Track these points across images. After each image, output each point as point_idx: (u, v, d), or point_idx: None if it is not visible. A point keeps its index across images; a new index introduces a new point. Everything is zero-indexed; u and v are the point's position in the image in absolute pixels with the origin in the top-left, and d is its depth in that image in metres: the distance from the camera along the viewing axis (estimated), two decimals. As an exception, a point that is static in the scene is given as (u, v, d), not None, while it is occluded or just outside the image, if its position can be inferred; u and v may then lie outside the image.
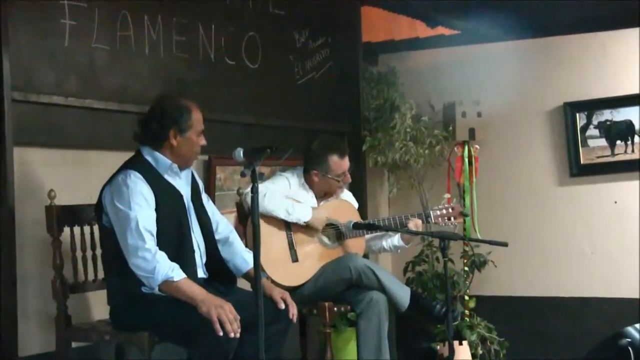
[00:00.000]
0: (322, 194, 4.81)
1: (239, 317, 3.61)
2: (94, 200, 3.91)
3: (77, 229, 4.14)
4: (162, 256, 3.68)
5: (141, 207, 3.72)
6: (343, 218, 4.74)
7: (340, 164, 4.74)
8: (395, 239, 4.86)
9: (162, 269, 3.65)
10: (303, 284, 4.58)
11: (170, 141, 3.85)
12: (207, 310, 3.59)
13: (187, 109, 3.88)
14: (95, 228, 4.09)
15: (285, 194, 4.68)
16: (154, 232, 3.73)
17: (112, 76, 4.50)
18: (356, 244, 4.76)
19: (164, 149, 3.87)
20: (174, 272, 3.67)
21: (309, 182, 4.78)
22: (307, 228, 4.64)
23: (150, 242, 3.69)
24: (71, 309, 4.05)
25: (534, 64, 6.31)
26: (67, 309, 4.02)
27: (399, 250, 4.98)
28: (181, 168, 3.93)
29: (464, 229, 6.01)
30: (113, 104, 4.47)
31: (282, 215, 4.55)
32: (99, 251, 4.11)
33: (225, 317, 3.58)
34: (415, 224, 4.74)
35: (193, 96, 4.13)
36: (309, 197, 4.77)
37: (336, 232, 4.74)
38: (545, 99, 6.27)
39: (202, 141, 3.93)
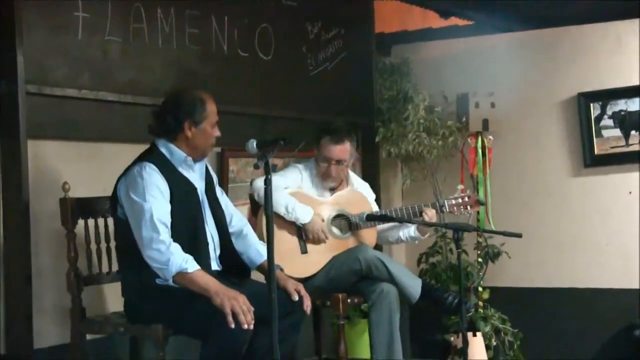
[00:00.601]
0: (328, 184, 4.76)
1: (252, 309, 3.62)
2: (108, 193, 3.92)
3: (91, 222, 4.16)
4: (176, 248, 3.70)
5: (156, 199, 3.73)
6: (354, 209, 4.72)
7: (329, 148, 4.63)
8: (412, 230, 4.82)
9: (176, 260, 3.66)
10: (314, 276, 4.57)
11: (185, 133, 3.86)
12: (220, 301, 3.60)
13: (201, 101, 3.89)
14: (110, 220, 4.10)
15: (296, 186, 4.67)
16: (169, 224, 3.74)
17: (126, 69, 4.51)
18: (367, 235, 4.75)
19: (179, 141, 3.88)
20: (188, 264, 3.68)
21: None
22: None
23: (165, 234, 3.70)
24: (86, 301, 4.07)
25: (547, 54, 6.28)
26: (82, 301, 4.04)
27: (416, 242, 4.96)
28: (196, 160, 3.94)
29: (478, 220, 6.00)
30: (127, 97, 4.48)
31: (281, 211, 4.51)
32: (113, 243, 4.12)
33: (239, 308, 3.59)
34: (429, 214, 4.72)
35: (206, 88, 4.13)
36: (321, 188, 4.76)
37: (347, 223, 4.73)
38: (559, 89, 6.24)
39: (217, 132, 3.94)
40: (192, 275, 3.68)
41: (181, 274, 3.68)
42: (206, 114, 3.89)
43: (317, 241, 4.59)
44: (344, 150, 4.66)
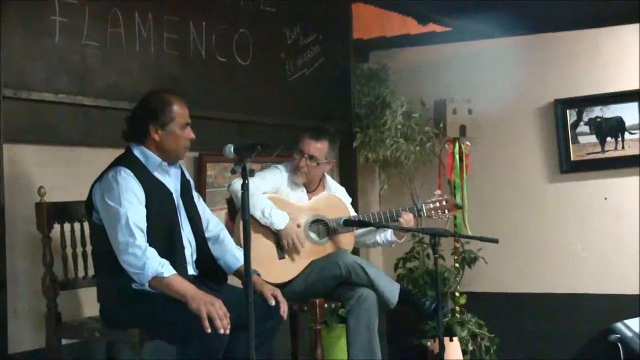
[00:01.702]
0: (304, 181, 4.78)
1: (229, 314, 3.62)
2: (84, 197, 3.90)
3: (67, 226, 4.14)
4: (152, 252, 3.69)
5: (131, 203, 3.72)
6: (331, 213, 4.73)
7: (305, 142, 4.69)
8: (389, 234, 4.83)
9: (152, 265, 3.65)
10: (291, 281, 4.58)
11: (152, 136, 3.84)
12: (197, 306, 3.59)
13: (167, 103, 3.85)
14: (86, 225, 4.07)
15: (277, 185, 4.67)
16: (144, 229, 3.73)
17: (103, 73, 4.50)
18: (345, 240, 4.76)
19: (148, 144, 3.87)
20: (164, 268, 3.67)
21: None
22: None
23: (141, 239, 3.69)
24: (61, 306, 4.05)
25: (525, 61, 6.31)
26: (57, 306, 4.02)
27: (392, 245, 4.96)
28: (171, 163, 3.93)
29: (455, 226, 6.02)
30: (104, 101, 4.46)
31: (257, 215, 4.51)
32: (89, 248, 4.10)
33: (215, 313, 3.58)
34: (407, 218, 4.73)
35: (184, 93, 4.12)
36: (299, 191, 4.77)
37: (325, 228, 4.73)
38: (536, 95, 6.28)
39: (190, 135, 3.90)
40: (168, 280, 3.67)
41: (157, 279, 3.67)
42: (173, 116, 3.85)
43: (293, 247, 4.59)
44: (318, 147, 4.69)
